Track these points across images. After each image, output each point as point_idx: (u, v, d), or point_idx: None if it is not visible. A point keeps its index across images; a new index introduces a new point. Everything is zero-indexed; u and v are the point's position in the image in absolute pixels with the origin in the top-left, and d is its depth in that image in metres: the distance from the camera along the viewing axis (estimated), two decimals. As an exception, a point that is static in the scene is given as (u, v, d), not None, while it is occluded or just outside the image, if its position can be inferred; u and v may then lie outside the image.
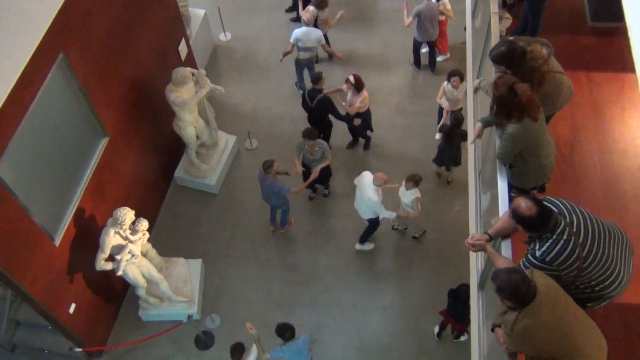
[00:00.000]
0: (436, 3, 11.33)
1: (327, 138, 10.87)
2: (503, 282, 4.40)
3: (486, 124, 5.99)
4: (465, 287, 8.08)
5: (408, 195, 9.11)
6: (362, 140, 11.30)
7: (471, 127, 7.51)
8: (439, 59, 12.45)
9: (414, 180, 8.95)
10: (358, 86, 10.05)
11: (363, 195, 9.07)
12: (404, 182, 9.12)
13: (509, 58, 5.92)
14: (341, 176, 11.06)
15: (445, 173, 10.68)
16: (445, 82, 10.31)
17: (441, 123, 10.52)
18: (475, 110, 7.55)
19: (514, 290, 4.36)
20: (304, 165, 9.85)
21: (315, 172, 9.45)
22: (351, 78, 10.01)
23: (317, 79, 10.01)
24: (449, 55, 12.48)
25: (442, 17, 11.65)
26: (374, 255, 10.13)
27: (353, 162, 11.22)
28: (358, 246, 10.10)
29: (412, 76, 12.38)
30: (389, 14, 13.39)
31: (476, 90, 7.37)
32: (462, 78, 10.05)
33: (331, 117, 10.43)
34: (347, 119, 10.41)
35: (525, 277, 4.40)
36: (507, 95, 5.45)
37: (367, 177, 9.04)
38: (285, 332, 7.63)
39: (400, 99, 12.06)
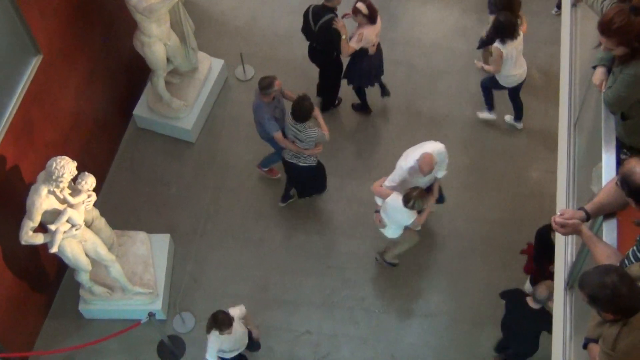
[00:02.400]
0: None
1: (332, 84, 10.94)
2: (595, 287, 4.44)
3: (609, 65, 5.93)
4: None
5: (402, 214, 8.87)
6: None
7: (566, 50, 7.46)
8: None
9: (408, 199, 8.57)
10: (373, 15, 9.80)
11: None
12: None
13: None
14: (364, 135, 11.08)
15: None
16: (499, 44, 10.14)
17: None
18: (573, 33, 7.49)
19: (612, 297, 4.39)
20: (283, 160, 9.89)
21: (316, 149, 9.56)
22: (362, 7, 9.68)
23: None
24: None
25: None
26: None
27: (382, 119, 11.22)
28: None
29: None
30: None
31: (575, 3, 7.31)
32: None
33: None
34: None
35: (624, 275, 4.42)
36: (630, 24, 5.40)
37: (428, 145, 8.82)
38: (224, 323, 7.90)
39: (459, 14, 11.98)
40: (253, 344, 8.84)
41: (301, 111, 9.08)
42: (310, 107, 9.12)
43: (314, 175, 10.02)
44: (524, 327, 8.33)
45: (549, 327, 7.85)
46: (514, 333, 8.62)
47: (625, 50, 5.57)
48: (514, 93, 10.50)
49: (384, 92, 11.21)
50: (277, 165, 10.46)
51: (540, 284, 7.95)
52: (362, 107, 11.25)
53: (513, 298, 8.41)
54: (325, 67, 10.71)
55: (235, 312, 8.24)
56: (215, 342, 8.03)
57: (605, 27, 5.53)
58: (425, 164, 8.57)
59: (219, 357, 8.31)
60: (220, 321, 7.84)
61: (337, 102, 11.25)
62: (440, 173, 9.06)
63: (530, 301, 8.00)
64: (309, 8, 10.16)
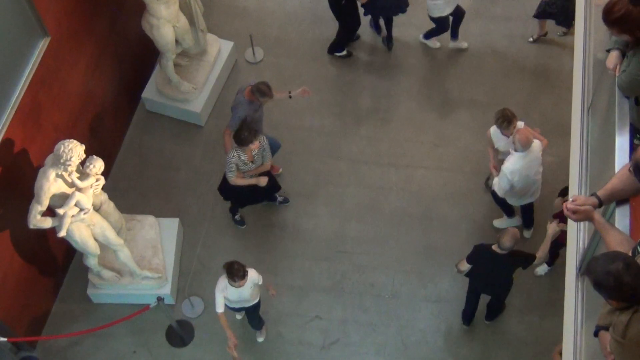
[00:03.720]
0: None
1: (349, 32, 11.00)
2: (599, 274, 4.49)
3: (623, 48, 5.93)
4: None
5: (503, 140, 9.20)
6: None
7: (580, 36, 7.45)
8: None
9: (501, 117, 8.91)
10: None
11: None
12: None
13: None
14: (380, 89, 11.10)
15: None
16: None
17: None
18: (587, 16, 7.46)
19: (615, 285, 4.43)
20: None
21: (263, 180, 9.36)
22: None
23: None
24: None
25: None
26: (425, 224, 10.24)
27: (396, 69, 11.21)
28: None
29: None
30: None
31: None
32: None
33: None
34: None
35: (631, 263, 4.44)
36: (629, 14, 5.43)
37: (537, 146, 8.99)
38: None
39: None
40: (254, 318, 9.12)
41: (235, 136, 8.90)
42: (242, 140, 8.76)
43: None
44: (500, 272, 8.61)
45: (521, 263, 8.46)
46: (492, 283, 8.87)
47: (630, 38, 5.59)
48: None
49: (389, 43, 11.45)
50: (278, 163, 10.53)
51: (504, 232, 8.21)
52: (387, 40, 11.47)
53: (481, 253, 8.59)
54: (337, 11, 10.83)
55: (253, 273, 8.42)
56: (223, 288, 8.27)
57: (606, 17, 5.60)
58: (522, 134, 8.69)
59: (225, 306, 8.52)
60: (235, 271, 8.00)
61: (346, 52, 11.36)
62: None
63: (496, 249, 8.31)
64: None
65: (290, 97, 9.61)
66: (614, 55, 6.00)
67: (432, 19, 10.92)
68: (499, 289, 8.96)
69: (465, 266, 8.74)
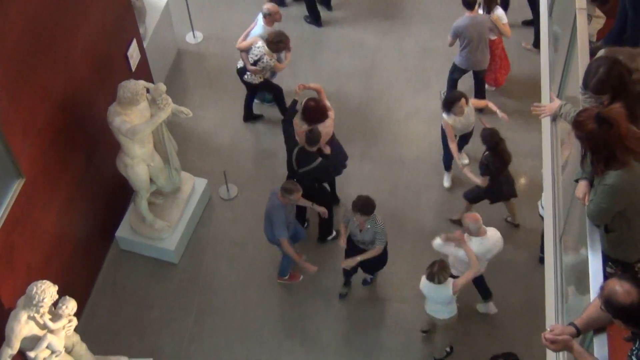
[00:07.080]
0: (485, 16, 11.54)
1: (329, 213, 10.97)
2: None
3: (591, 178, 6.09)
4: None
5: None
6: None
7: (547, 164, 7.61)
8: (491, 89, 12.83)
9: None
10: (307, 116, 10.31)
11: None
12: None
13: (618, 82, 6.03)
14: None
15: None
16: (445, 115, 10.65)
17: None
18: (553, 145, 7.65)
19: None
20: (349, 240, 10.02)
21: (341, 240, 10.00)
22: (302, 105, 10.30)
23: (313, 140, 10.00)
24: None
25: (494, 37, 11.81)
26: (401, 357, 10.14)
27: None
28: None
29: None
30: (430, 9, 13.64)
31: (555, 118, 7.49)
32: (466, 99, 10.57)
33: None
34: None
35: None
36: (597, 131, 5.57)
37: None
38: None
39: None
40: None
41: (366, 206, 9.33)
42: (371, 203, 9.41)
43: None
44: None
45: None
46: None
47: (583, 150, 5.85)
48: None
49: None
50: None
51: None
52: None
53: None
54: (311, 196, 10.73)
55: None
56: None
57: (574, 117, 5.88)
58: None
59: None
60: None
61: (335, 233, 11.17)
62: None
63: None
64: (292, 151, 10.30)
65: None
66: (582, 185, 6.13)
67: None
68: None
69: None
